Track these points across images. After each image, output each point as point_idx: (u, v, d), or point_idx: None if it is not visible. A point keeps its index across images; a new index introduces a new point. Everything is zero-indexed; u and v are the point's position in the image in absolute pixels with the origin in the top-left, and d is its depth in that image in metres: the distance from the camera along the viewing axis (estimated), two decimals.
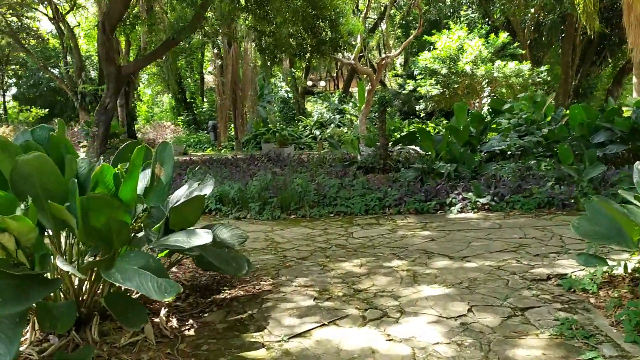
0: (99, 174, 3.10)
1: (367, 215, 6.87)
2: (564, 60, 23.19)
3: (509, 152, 8.62)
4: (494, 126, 9.63)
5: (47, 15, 27.05)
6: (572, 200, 6.20)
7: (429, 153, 8.07)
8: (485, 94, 17.03)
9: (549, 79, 17.47)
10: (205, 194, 3.55)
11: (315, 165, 10.48)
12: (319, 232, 5.98)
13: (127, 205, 3.11)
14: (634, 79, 16.64)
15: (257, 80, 29.12)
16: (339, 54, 19.84)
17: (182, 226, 3.52)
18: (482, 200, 6.42)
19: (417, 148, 9.50)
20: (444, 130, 11.39)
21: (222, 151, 22.20)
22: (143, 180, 3.30)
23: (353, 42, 16.33)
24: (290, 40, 14.59)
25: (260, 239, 5.76)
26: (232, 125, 24.64)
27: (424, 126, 23.86)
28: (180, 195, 3.71)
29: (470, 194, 6.56)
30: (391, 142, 9.38)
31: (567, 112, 9.22)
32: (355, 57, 20.34)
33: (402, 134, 9.61)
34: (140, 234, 3.41)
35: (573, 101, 25.69)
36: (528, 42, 23.02)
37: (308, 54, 14.76)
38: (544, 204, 6.27)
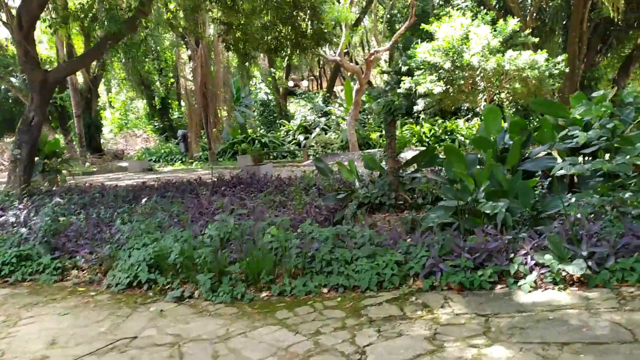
0: None
1: (382, 291, 4.35)
2: (571, 50, 20.91)
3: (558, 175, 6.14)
4: (535, 135, 7.18)
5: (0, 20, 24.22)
6: None
7: (462, 181, 5.55)
8: (481, 91, 14.59)
9: (566, 70, 15.12)
10: None
11: (299, 193, 7.95)
12: (306, 344, 3.46)
13: None
14: None
15: (234, 82, 26.56)
16: (323, 49, 17.34)
17: None
18: (569, 269, 3.93)
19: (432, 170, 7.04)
20: (468, 143, 8.82)
21: (194, 164, 19.55)
22: None
23: (335, 38, 13.75)
24: (264, 33, 12.02)
25: None
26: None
27: (417, 127, 21.45)
28: None
29: (547, 256, 4.07)
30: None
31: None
32: (340, 53, 17.88)
33: (405, 146, 6.85)
34: None
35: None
36: (530, 30, 20.71)
37: (286, 50, 12.20)
38: None
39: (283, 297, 4.48)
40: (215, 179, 10.53)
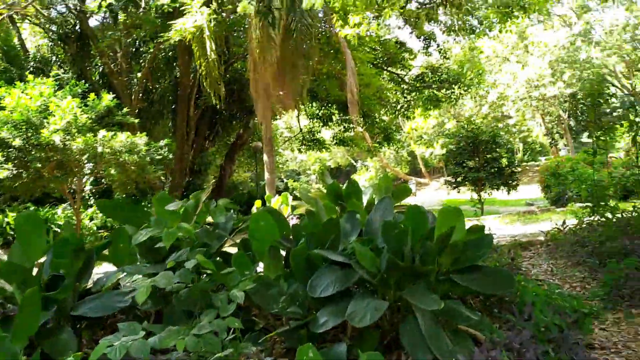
0: None
1: None
2: (179, 134, 20.29)
3: None
4: (108, 252, 4.85)
5: None
6: None
7: None
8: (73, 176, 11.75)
9: (171, 156, 13.77)
10: None
11: None
12: None
13: None
14: (265, 157, 14.58)
15: None
16: None
17: None
18: None
19: None
20: None
21: None
22: None
23: None
24: None
25: None
26: None
27: (1, 216, 16.78)
28: None
29: None
30: None
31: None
32: None
33: None
34: None
35: (189, 180, 23.05)
36: (137, 111, 19.18)
37: None
38: None
39: None
40: None
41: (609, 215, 7.67)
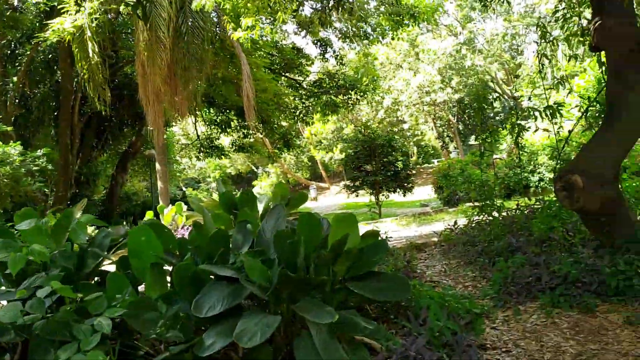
0: None
1: None
2: (62, 142, 18.79)
3: None
4: None
5: None
6: None
7: None
8: None
9: (50, 167, 12.66)
10: None
11: None
12: None
13: None
14: (158, 166, 13.84)
15: None
16: None
17: None
18: None
19: None
20: None
21: None
22: None
23: None
24: None
25: None
26: None
27: None
28: None
29: None
30: None
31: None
32: None
33: None
34: None
35: (75, 192, 21.44)
36: (13, 118, 17.56)
37: None
38: None
39: None
40: None
41: (496, 214, 8.03)
